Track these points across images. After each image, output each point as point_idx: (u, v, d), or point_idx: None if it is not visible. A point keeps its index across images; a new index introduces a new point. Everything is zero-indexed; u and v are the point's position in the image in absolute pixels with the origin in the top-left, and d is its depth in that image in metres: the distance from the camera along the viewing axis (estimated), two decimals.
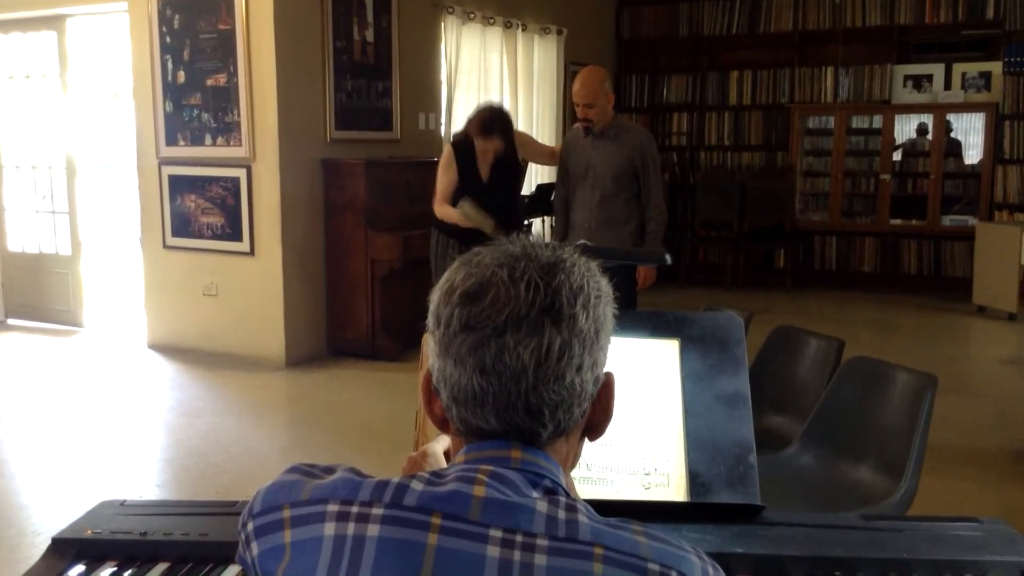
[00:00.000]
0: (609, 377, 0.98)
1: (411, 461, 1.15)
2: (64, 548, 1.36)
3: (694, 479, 1.48)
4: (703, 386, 1.53)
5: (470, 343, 0.90)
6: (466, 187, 4.65)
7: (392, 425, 4.65)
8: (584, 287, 0.92)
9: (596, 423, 0.98)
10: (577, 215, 4.50)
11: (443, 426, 0.99)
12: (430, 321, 0.95)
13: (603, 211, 4.42)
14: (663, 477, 1.49)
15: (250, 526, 0.92)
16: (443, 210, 4.69)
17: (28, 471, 4.19)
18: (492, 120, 4.64)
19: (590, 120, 4.37)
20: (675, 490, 1.49)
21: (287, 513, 0.90)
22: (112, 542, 1.37)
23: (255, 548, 0.91)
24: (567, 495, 0.91)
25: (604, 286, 0.96)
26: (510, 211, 4.74)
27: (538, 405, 0.90)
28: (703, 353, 1.56)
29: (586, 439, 1.00)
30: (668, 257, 2.55)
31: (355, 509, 0.87)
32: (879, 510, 2.21)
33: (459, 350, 0.90)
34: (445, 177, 4.71)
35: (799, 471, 2.54)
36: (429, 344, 0.96)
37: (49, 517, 3.61)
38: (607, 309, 0.96)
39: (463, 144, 4.72)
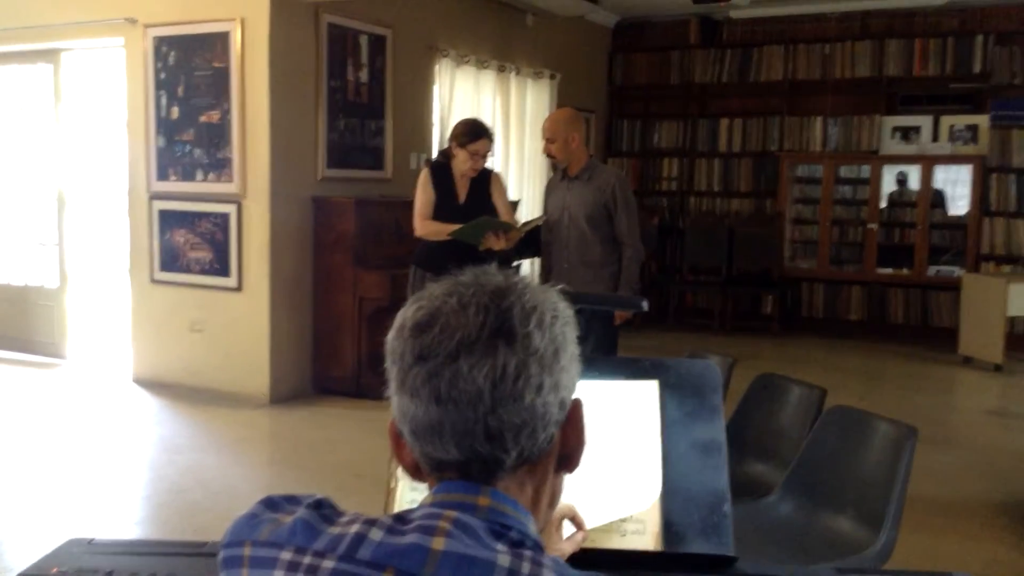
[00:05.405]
0: (577, 403, 0.95)
1: None
2: None
3: (668, 528, 1.47)
4: (678, 433, 1.53)
5: (424, 374, 0.88)
6: (443, 208, 4.63)
7: (376, 464, 4.59)
8: (538, 307, 0.91)
9: (568, 453, 0.96)
10: (555, 257, 4.55)
11: (416, 473, 0.96)
12: (387, 360, 0.93)
13: (580, 253, 4.48)
14: (640, 524, 1.48)
15: (220, 555, 0.91)
16: (430, 227, 4.61)
17: (3, 505, 4.14)
18: (478, 124, 4.67)
19: (553, 156, 4.53)
20: (651, 538, 1.48)
21: (247, 551, 0.89)
22: None
23: None
24: (535, 547, 0.88)
25: (563, 308, 0.94)
26: None
27: (498, 429, 0.88)
28: (679, 400, 1.56)
29: (564, 473, 0.97)
30: (645, 304, 2.54)
31: (306, 560, 0.85)
32: (858, 562, 2.20)
33: (414, 382, 0.89)
34: (424, 195, 4.66)
35: (779, 520, 2.53)
36: (389, 384, 0.94)
37: (22, 553, 3.56)
38: (566, 329, 0.93)
39: (441, 166, 4.72)
